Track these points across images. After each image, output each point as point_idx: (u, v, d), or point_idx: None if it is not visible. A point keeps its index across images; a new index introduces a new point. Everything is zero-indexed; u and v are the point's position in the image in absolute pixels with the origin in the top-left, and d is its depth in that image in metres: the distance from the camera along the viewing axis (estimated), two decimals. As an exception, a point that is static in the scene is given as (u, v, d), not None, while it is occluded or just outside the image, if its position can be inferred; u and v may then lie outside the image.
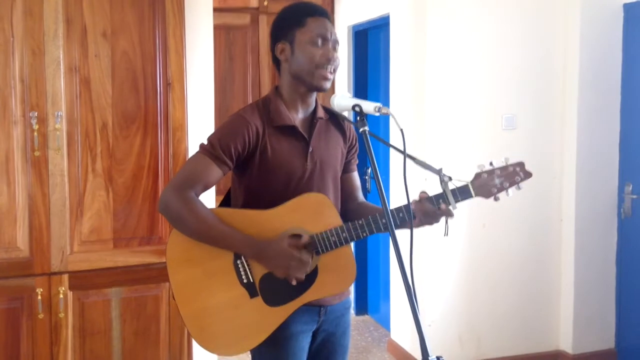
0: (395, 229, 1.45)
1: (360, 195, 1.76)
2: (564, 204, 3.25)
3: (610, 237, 3.25)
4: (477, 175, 1.52)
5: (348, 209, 1.71)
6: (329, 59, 1.54)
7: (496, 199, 1.53)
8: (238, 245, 1.51)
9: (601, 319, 3.27)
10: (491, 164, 1.53)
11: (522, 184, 1.54)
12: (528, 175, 1.54)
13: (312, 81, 1.56)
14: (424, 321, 1.60)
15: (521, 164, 1.54)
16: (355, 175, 1.77)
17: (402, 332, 3.41)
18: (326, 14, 1.60)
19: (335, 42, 1.58)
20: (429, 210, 1.50)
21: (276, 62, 1.64)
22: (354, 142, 1.73)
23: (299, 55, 1.55)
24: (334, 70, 1.57)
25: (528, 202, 3.19)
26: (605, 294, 3.26)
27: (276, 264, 1.49)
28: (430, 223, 1.53)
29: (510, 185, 1.53)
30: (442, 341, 3.13)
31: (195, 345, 2.35)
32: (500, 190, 1.52)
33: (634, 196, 3.13)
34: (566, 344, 3.28)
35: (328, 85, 1.58)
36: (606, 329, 3.28)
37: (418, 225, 1.53)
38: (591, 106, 3.17)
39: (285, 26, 1.59)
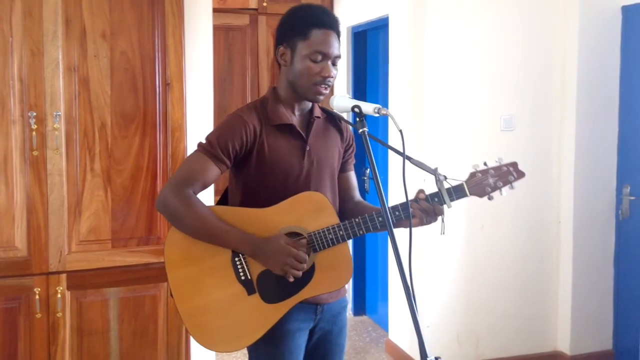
0: (392, 227, 1.46)
1: (357, 195, 1.77)
2: (562, 206, 3.26)
3: (608, 239, 3.25)
4: (472, 175, 1.55)
5: (345, 209, 1.71)
6: (324, 77, 1.54)
7: (490, 198, 1.55)
8: (235, 242, 1.52)
9: (599, 319, 3.27)
10: (485, 164, 1.55)
11: (515, 184, 1.56)
12: (521, 175, 1.56)
13: (305, 93, 1.58)
14: (422, 322, 1.61)
15: (514, 164, 1.56)
16: (352, 175, 1.77)
17: (400, 332, 3.42)
18: (332, 25, 1.57)
19: (336, 57, 1.57)
20: (426, 208, 1.52)
21: (278, 61, 1.64)
22: (351, 141, 1.74)
23: (297, 66, 1.56)
24: (329, 87, 1.57)
25: (526, 203, 3.19)
26: (603, 295, 3.27)
27: (273, 261, 1.49)
28: (427, 222, 1.54)
29: (504, 185, 1.55)
30: (440, 342, 3.13)
31: (192, 345, 2.35)
32: (494, 189, 1.54)
33: (632, 197, 3.14)
34: (564, 345, 3.28)
35: (321, 98, 1.59)
36: (604, 329, 3.29)
37: (416, 225, 1.53)
38: (589, 108, 3.18)
39: (289, 32, 1.58)
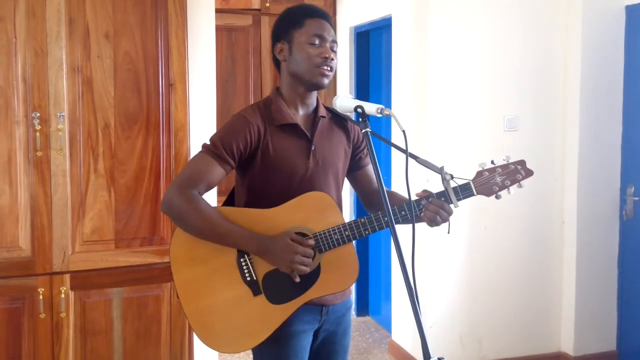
0: (398, 223, 1.46)
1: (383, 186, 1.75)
2: (566, 206, 3.25)
3: (612, 239, 3.24)
4: (479, 174, 1.54)
5: (374, 203, 1.72)
6: (325, 58, 1.56)
7: (497, 197, 1.54)
8: (242, 241, 1.52)
9: (603, 320, 3.26)
10: (492, 162, 1.54)
11: (523, 182, 1.54)
12: (529, 173, 1.55)
13: (310, 79, 1.57)
14: (425, 322, 1.60)
15: (522, 162, 1.55)
16: (371, 168, 1.76)
17: (403, 333, 3.41)
18: (325, 15, 1.62)
19: (334, 42, 1.60)
20: (436, 204, 1.51)
21: (276, 62, 1.65)
22: (361, 139, 1.73)
23: (297, 55, 1.57)
24: (332, 69, 1.58)
25: (529, 203, 3.19)
26: (606, 296, 3.26)
27: (280, 258, 1.49)
28: (438, 223, 1.53)
29: (512, 184, 1.53)
30: (443, 342, 3.12)
31: (196, 345, 2.35)
32: (501, 188, 1.53)
33: (636, 198, 3.13)
34: (567, 346, 3.27)
35: (326, 82, 1.59)
36: (608, 330, 3.28)
37: (423, 221, 1.54)
38: (593, 108, 3.17)
39: (284, 27, 1.61)
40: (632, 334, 3.21)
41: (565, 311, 3.27)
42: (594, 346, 3.25)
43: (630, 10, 3.13)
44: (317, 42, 1.56)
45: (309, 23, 1.58)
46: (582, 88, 3.14)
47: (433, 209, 1.50)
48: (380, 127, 3.76)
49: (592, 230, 3.21)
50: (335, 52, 1.59)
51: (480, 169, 1.54)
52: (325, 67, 1.56)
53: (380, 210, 1.53)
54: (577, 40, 3.14)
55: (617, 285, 3.26)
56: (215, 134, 1.59)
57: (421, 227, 1.58)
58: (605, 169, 3.21)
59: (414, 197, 1.52)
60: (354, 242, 1.57)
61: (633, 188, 3.14)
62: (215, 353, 2.68)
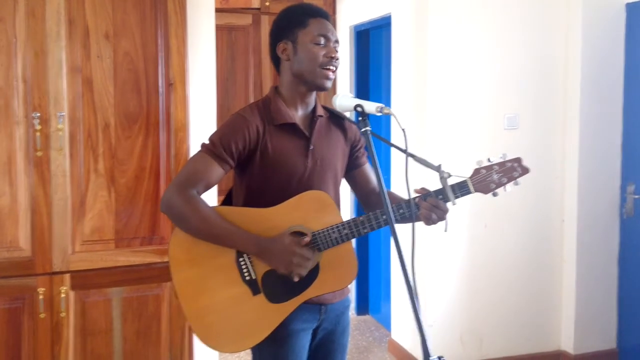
0: (397, 223, 1.46)
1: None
2: (566, 204, 3.25)
3: (612, 237, 3.25)
4: (476, 171, 1.54)
5: (371, 202, 1.73)
6: (331, 58, 1.57)
7: (494, 194, 1.54)
8: (240, 242, 1.52)
9: (603, 319, 3.27)
10: (489, 160, 1.54)
11: (520, 180, 1.55)
12: (526, 170, 1.55)
13: (314, 80, 1.58)
14: (425, 321, 1.61)
15: (518, 160, 1.55)
16: (369, 167, 1.77)
17: (403, 332, 3.42)
18: (327, 15, 1.63)
19: (336, 42, 1.61)
20: (433, 203, 1.51)
21: (276, 61, 1.65)
22: (358, 138, 1.74)
23: (302, 55, 1.58)
24: (336, 69, 1.60)
25: (530, 201, 3.19)
26: (607, 294, 3.26)
27: (278, 260, 1.50)
28: (434, 221, 1.53)
29: (508, 181, 1.54)
30: (443, 341, 3.13)
31: (196, 345, 2.35)
32: (498, 185, 1.54)
33: (636, 196, 3.13)
34: (568, 344, 3.27)
35: (329, 84, 1.60)
36: (608, 329, 3.28)
37: (420, 220, 1.54)
38: (593, 106, 3.17)
39: (287, 26, 1.61)
40: (632, 331, 3.21)
41: (566, 309, 3.27)
42: (594, 344, 3.26)
43: (631, 7, 3.13)
44: (322, 42, 1.57)
45: (313, 23, 1.58)
46: (583, 85, 3.14)
47: (428, 207, 1.51)
48: (380, 126, 3.76)
49: (593, 229, 3.21)
50: (337, 52, 1.60)
51: (477, 166, 1.55)
52: (331, 67, 1.57)
53: (378, 210, 1.53)
54: (577, 37, 3.14)
55: (617, 283, 3.26)
56: (214, 133, 1.59)
57: (420, 225, 1.58)
58: (605, 167, 3.21)
59: (412, 192, 1.52)
60: (353, 240, 1.57)
61: (633, 186, 3.14)
62: (216, 352, 2.69)
